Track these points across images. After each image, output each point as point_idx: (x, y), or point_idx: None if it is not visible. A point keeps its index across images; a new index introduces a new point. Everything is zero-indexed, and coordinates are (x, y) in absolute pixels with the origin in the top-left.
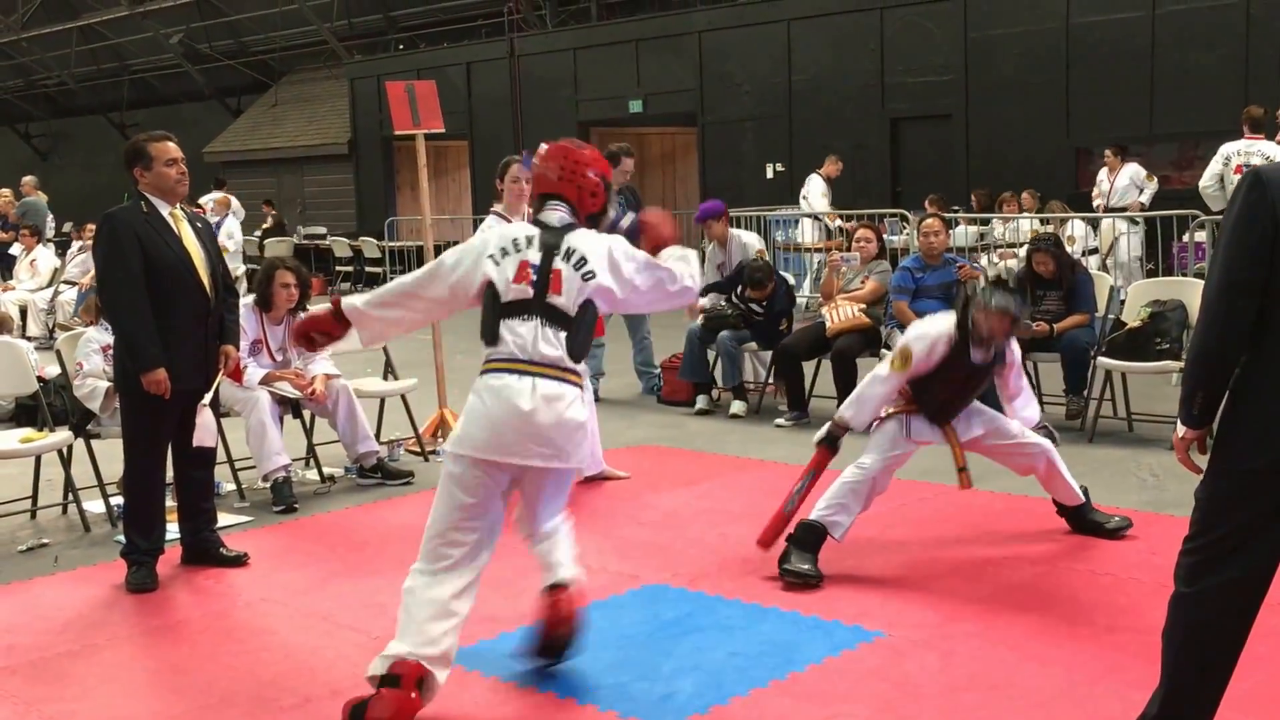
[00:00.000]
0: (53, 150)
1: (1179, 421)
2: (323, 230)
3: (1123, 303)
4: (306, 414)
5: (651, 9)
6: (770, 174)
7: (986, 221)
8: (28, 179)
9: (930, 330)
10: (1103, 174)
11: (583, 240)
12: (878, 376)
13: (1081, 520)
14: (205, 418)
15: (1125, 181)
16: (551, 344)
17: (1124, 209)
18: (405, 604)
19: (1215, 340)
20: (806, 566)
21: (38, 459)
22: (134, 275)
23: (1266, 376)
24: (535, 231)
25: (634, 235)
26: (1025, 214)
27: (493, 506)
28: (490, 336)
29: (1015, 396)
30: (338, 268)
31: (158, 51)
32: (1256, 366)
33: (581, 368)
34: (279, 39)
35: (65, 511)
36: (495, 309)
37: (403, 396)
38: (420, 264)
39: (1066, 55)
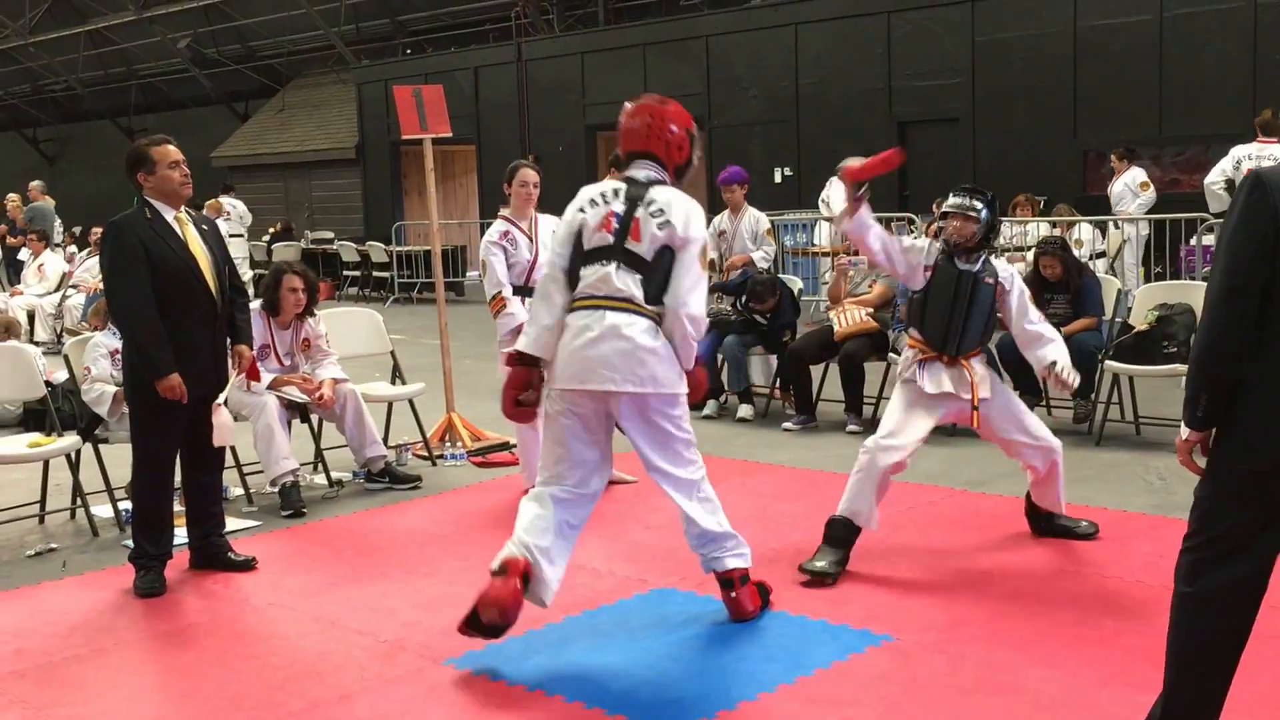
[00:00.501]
0: (60, 155)
1: (1183, 424)
2: (330, 235)
3: (1130, 307)
4: (314, 418)
5: (659, 13)
6: (779, 178)
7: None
8: (35, 184)
9: (919, 244)
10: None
11: (666, 195)
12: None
13: (1052, 525)
14: (223, 417)
15: (1120, 187)
16: (625, 282)
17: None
18: (520, 512)
19: (1218, 342)
20: (822, 564)
21: (46, 464)
22: (141, 283)
23: (1266, 377)
24: (623, 185)
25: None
26: (1035, 219)
27: (590, 438)
28: (572, 281)
29: (1021, 323)
30: (345, 272)
31: (165, 56)
32: (1257, 367)
33: (690, 311)
34: (286, 44)
35: (73, 516)
36: (578, 255)
37: (410, 401)
38: (427, 268)
39: (1074, 59)
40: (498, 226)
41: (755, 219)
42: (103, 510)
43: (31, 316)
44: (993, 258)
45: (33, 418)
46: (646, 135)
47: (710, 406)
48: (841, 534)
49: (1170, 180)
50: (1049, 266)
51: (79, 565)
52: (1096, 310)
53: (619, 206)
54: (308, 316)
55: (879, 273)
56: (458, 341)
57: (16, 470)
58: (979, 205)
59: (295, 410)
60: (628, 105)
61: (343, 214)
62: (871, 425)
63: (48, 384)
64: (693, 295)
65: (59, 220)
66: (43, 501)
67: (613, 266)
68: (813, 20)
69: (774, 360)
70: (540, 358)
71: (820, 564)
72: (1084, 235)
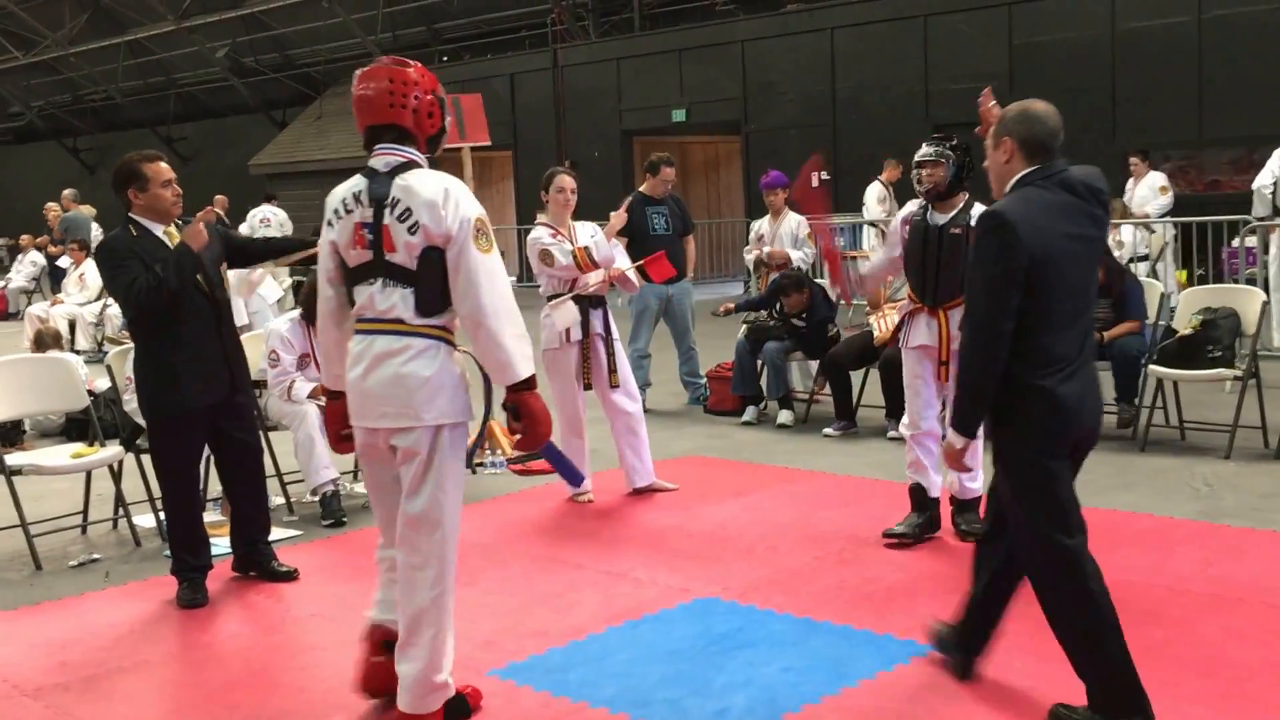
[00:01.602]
0: (100, 164)
1: (955, 434)
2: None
3: (1173, 310)
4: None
5: (694, 19)
6: (815, 183)
7: None
8: (68, 192)
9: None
10: (1130, 181)
11: (410, 184)
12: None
13: (954, 514)
14: (251, 275)
15: (1145, 190)
16: (391, 300)
17: (1145, 217)
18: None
19: (991, 362)
20: (902, 529)
21: (88, 474)
22: (142, 277)
23: (1035, 378)
24: (363, 184)
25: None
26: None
27: (387, 482)
28: (350, 304)
29: None
30: None
31: (204, 65)
32: (1025, 373)
33: (440, 321)
34: (323, 52)
35: (116, 526)
36: (347, 276)
37: None
38: None
39: (1113, 61)
40: (543, 228)
41: (796, 223)
42: (145, 520)
43: (73, 325)
44: (977, 206)
45: (75, 428)
46: (389, 104)
47: (750, 413)
48: (920, 500)
49: (1210, 182)
50: None
51: (122, 575)
52: (1139, 314)
53: (364, 214)
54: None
55: None
56: None
57: (59, 480)
58: (946, 150)
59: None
60: (359, 72)
61: None
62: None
63: (90, 393)
64: (487, 295)
65: (98, 228)
66: (85, 512)
67: (377, 285)
68: (848, 24)
69: (814, 365)
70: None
71: (899, 528)
72: (1125, 238)
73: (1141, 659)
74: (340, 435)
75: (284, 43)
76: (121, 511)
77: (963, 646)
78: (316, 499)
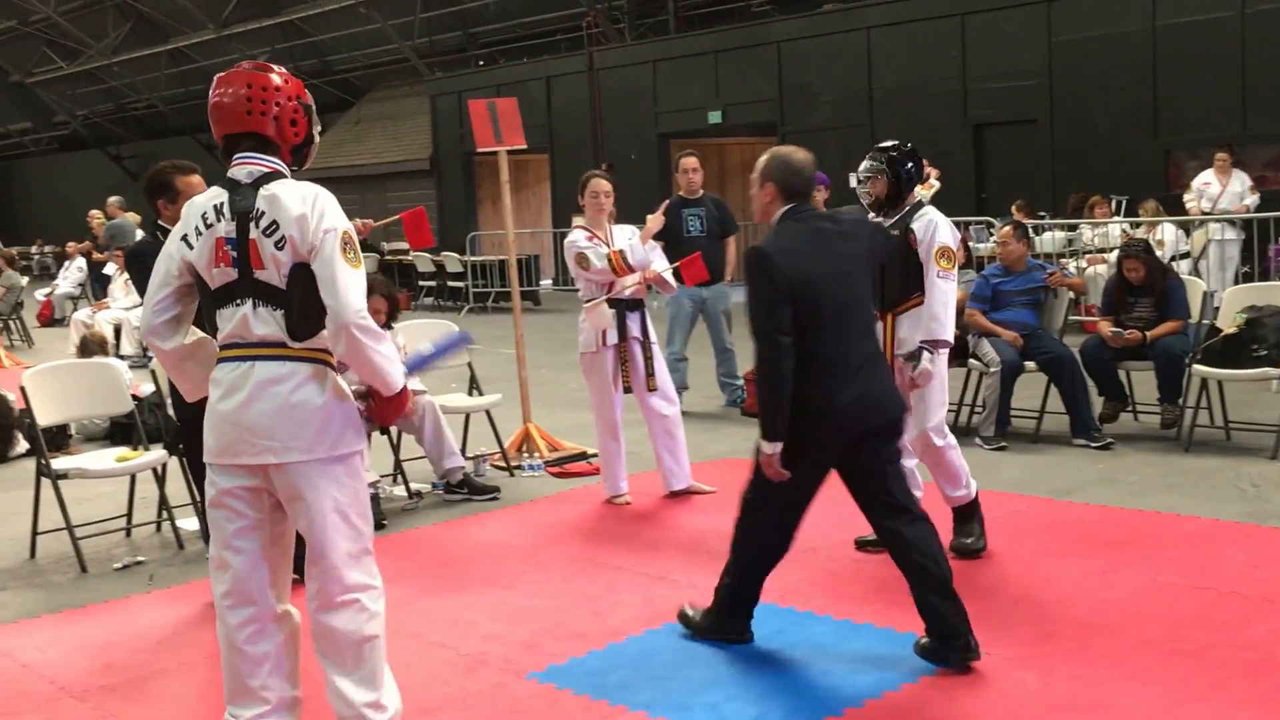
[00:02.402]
0: (143, 171)
1: (766, 443)
2: (406, 246)
3: (1217, 308)
4: (393, 430)
5: (730, 20)
6: (853, 183)
7: (1074, 227)
8: (113, 199)
9: None
10: (1208, 175)
11: (276, 194)
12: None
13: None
14: None
15: (1239, 187)
16: (266, 322)
17: (1231, 214)
18: (221, 657)
19: (778, 373)
20: (870, 537)
21: (132, 477)
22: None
23: (810, 383)
24: (224, 196)
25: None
26: (1114, 219)
27: (248, 529)
28: (210, 327)
29: (926, 296)
30: (420, 283)
31: None
32: (803, 378)
33: (320, 343)
34: (361, 58)
35: (159, 529)
36: (208, 298)
37: (487, 412)
38: (502, 278)
39: (1154, 57)
40: (580, 231)
41: None
42: (188, 523)
43: (118, 330)
44: (920, 211)
45: (120, 431)
46: (246, 111)
47: None
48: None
49: (1256, 178)
50: (1133, 270)
51: (165, 578)
52: (1182, 313)
53: (226, 229)
54: (386, 330)
55: (958, 278)
56: (533, 351)
57: (104, 484)
58: (882, 164)
59: (374, 422)
60: (217, 77)
61: None
62: (951, 432)
63: (134, 398)
64: (351, 295)
65: (142, 234)
66: (129, 515)
67: (248, 306)
68: (885, 23)
69: None
70: None
71: (967, 540)
72: (1166, 237)
73: (1188, 662)
74: None
75: (322, 49)
76: (165, 514)
77: (941, 637)
78: None
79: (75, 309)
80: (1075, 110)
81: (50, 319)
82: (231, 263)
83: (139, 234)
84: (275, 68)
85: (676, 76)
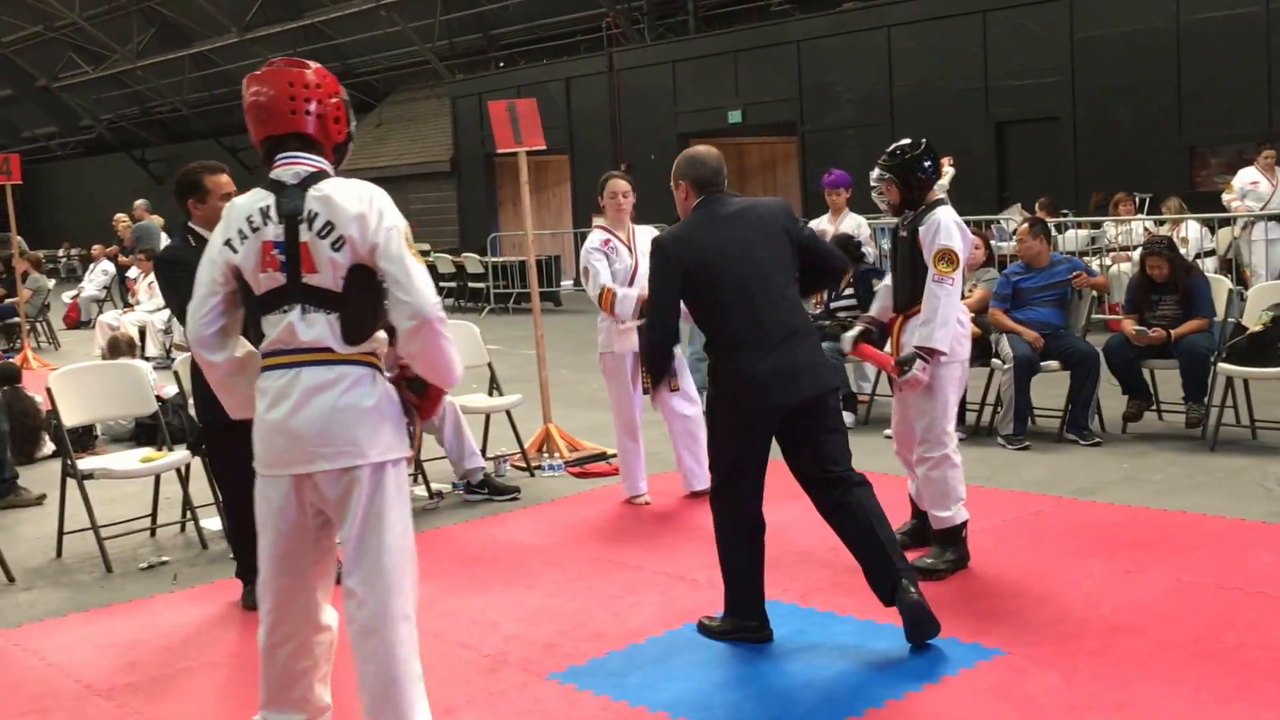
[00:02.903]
0: (168, 175)
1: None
2: (426, 247)
3: (1244, 302)
4: (414, 430)
5: (749, 20)
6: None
7: (1098, 225)
8: (140, 203)
9: None
10: (1252, 174)
11: (328, 194)
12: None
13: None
14: None
15: None
16: (316, 327)
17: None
18: (260, 665)
19: (659, 344)
20: (931, 561)
21: (157, 478)
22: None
23: (725, 358)
24: (271, 199)
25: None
26: (1137, 217)
27: (301, 540)
28: (255, 334)
29: (923, 301)
30: (441, 284)
31: None
32: (713, 353)
33: (367, 346)
34: (382, 60)
35: (183, 529)
36: (252, 304)
37: (508, 412)
38: (522, 279)
39: (1178, 53)
40: (598, 235)
41: (856, 223)
42: (211, 523)
43: (143, 332)
44: (932, 212)
45: (144, 432)
46: (289, 111)
47: None
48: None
49: None
50: (1156, 267)
51: (189, 578)
52: (1207, 311)
53: (274, 233)
54: None
55: (979, 277)
56: (554, 352)
57: (129, 484)
58: (888, 170)
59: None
60: (249, 76)
61: (438, 226)
62: (974, 432)
63: (159, 399)
64: (428, 289)
65: (166, 237)
66: (154, 515)
67: (295, 312)
68: (906, 21)
69: (870, 368)
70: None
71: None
72: (1190, 234)
73: (1214, 663)
74: None
75: (344, 52)
76: (189, 515)
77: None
78: None
79: (101, 311)
80: (1098, 107)
81: (77, 321)
82: (280, 267)
83: (164, 237)
84: (309, 64)
85: (696, 76)
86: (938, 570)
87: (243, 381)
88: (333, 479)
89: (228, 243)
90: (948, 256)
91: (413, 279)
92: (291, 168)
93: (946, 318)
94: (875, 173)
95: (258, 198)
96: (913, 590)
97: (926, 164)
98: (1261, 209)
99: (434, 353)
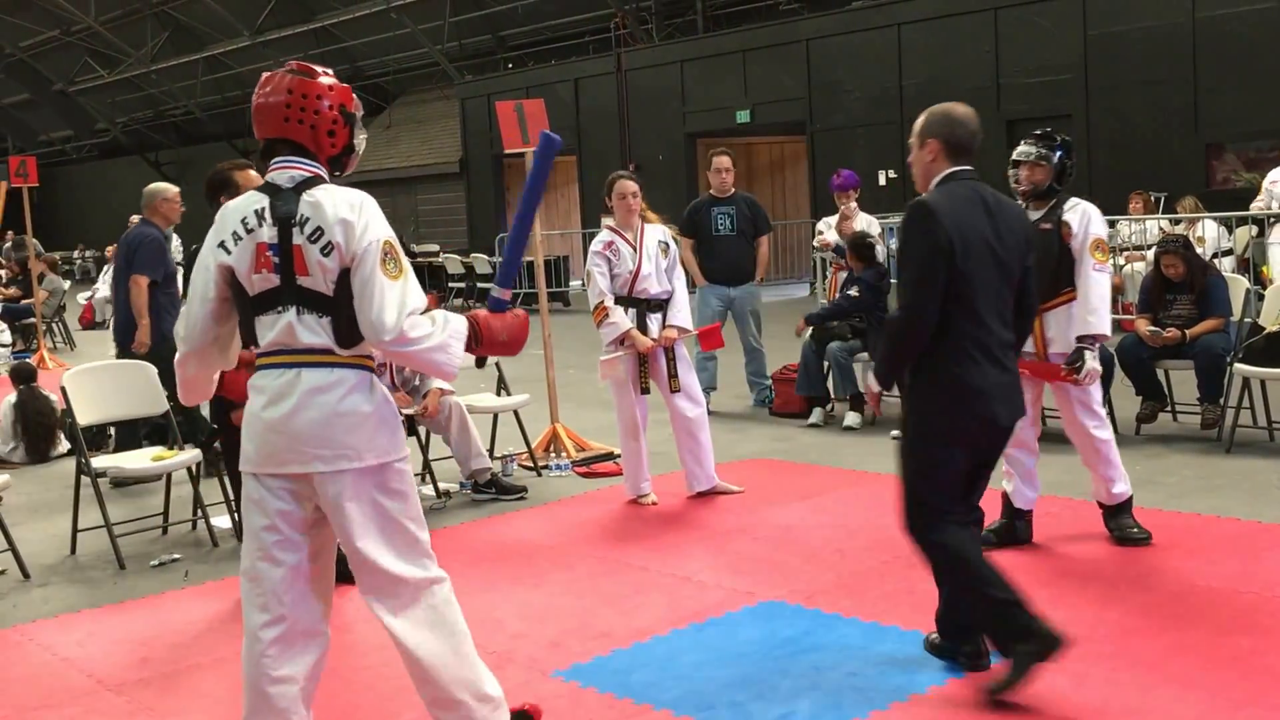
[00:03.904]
0: (181, 177)
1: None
2: (435, 247)
3: (1261, 302)
4: (421, 430)
5: (758, 19)
6: (883, 181)
7: (1112, 224)
8: None
9: None
10: (1278, 173)
11: (319, 200)
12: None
13: (1107, 519)
14: None
15: None
16: (312, 329)
17: None
18: (243, 677)
19: (913, 341)
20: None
21: (168, 476)
22: None
23: (950, 360)
24: (265, 201)
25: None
26: (1152, 216)
27: (292, 537)
28: (248, 335)
29: (1080, 289)
30: (450, 284)
31: None
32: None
33: (369, 351)
34: (392, 62)
35: (194, 527)
36: (246, 305)
37: (515, 412)
38: (531, 279)
39: (1194, 49)
40: (602, 237)
41: (866, 222)
42: (222, 521)
43: None
44: (1069, 201)
45: (155, 432)
46: (284, 117)
47: (816, 415)
48: (1004, 506)
49: None
50: (1171, 265)
51: (200, 575)
52: (1223, 310)
53: (268, 234)
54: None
55: None
56: (561, 352)
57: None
58: (1046, 151)
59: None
60: (264, 76)
61: (447, 226)
62: None
63: (170, 399)
64: (385, 315)
65: (178, 240)
66: (165, 513)
67: (292, 313)
68: (916, 19)
69: None
70: None
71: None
72: (1207, 234)
73: (1228, 668)
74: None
75: (354, 55)
76: (200, 513)
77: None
78: None
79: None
80: (1112, 105)
81: (92, 322)
82: (274, 268)
83: (175, 239)
84: (321, 71)
85: (704, 76)
86: (1144, 536)
87: (205, 375)
88: (329, 480)
89: (221, 244)
90: (1101, 245)
91: (373, 300)
92: (286, 171)
93: (1106, 301)
94: (1028, 149)
95: (252, 200)
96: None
97: (1073, 158)
98: (1194, 209)
99: (405, 363)
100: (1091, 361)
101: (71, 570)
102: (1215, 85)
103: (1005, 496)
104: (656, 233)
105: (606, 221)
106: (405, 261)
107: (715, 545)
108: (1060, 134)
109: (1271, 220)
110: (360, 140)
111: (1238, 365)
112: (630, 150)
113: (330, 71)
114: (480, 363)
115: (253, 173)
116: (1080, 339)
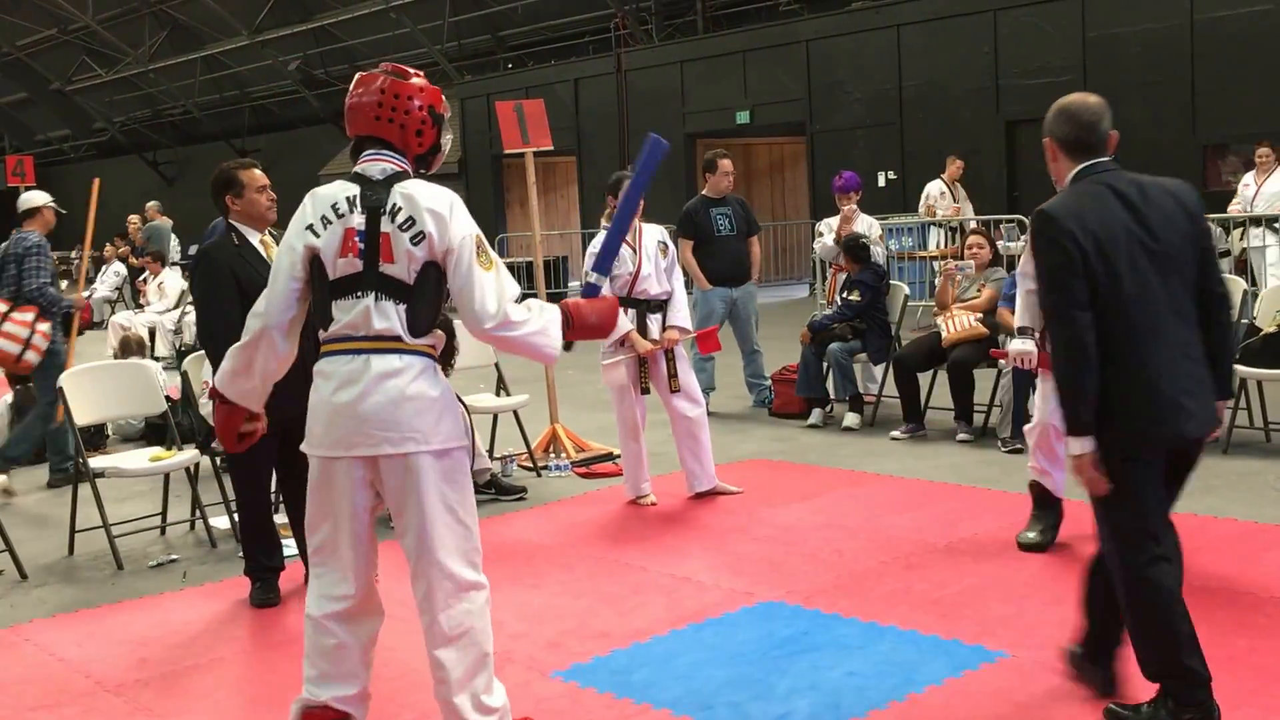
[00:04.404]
0: (179, 176)
1: (1071, 440)
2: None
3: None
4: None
5: (758, 20)
6: (882, 182)
7: None
8: (151, 204)
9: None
10: (1249, 176)
11: (412, 193)
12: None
13: None
14: None
15: (1277, 187)
16: (387, 316)
17: (1274, 217)
18: (305, 641)
19: (1082, 355)
20: (1034, 536)
21: (166, 476)
22: (231, 315)
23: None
24: (355, 190)
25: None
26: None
27: (357, 516)
28: (323, 318)
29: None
30: None
31: (276, 78)
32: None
33: (429, 340)
34: (392, 62)
35: (193, 528)
36: (324, 287)
37: (515, 412)
38: (532, 280)
39: (1192, 51)
40: (600, 238)
41: (868, 224)
42: (220, 522)
43: (152, 333)
44: None
45: (154, 432)
46: (375, 117)
47: (815, 416)
48: (1041, 498)
49: None
50: None
51: (198, 576)
52: None
53: (358, 221)
54: (447, 370)
55: (986, 277)
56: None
57: (139, 483)
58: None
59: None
60: (358, 77)
61: None
62: (983, 434)
63: (168, 399)
64: (488, 303)
65: (175, 239)
66: (164, 513)
67: (370, 299)
68: (916, 20)
69: (877, 370)
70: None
71: (1032, 536)
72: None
73: (1226, 668)
74: (240, 434)
75: (353, 54)
76: (198, 513)
77: (1094, 660)
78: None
79: (114, 312)
80: (1110, 106)
81: (89, 322)
82: (359, 254)
83: (173, 239)
84: (413, 73)
85: (704, 77)
86: None
87: (268, 379)
88: (395, 464)
89: (309, 227)
90: None
91: (473, 294)
92: (377, 164)
93: None
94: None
95: (342, 188)
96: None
97: None
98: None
99: (508, 348)
100: None
101: (69, 571)
102: (1213, 87)
103: (1042, 488)
104: (655, 233)
105: (605, 223)
106: (494, 253)
107: (714, 545)
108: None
109: (1236, 224)
110: (446, 140)
111: (1235, 366)
112: (630, 151)
113: (422, 74)
114: (568, 346)
115: (257, 170)
116: None
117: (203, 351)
